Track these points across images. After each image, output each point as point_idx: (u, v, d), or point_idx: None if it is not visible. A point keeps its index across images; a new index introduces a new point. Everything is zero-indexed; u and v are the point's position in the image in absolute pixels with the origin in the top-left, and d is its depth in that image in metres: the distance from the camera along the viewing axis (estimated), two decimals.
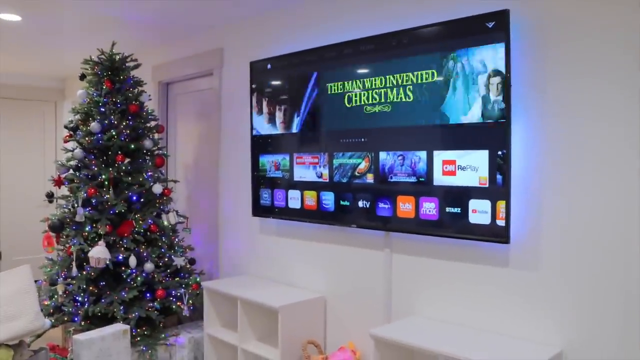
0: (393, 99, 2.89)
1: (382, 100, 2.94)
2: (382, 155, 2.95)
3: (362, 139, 3.04)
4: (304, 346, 3.23)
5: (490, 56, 2.48)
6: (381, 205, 2.97)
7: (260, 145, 3.72)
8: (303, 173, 3.42)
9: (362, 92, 3.04)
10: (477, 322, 2.69)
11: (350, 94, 3.11)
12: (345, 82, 3.13)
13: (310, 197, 3.37)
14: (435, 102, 2.70)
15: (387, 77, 2.91)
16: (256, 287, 3.63)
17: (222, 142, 4.30)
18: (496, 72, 2.46)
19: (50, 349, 3.51)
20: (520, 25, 2.48)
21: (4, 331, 2.92)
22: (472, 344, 2.46)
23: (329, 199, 3.26)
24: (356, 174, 3.09)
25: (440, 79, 2.68)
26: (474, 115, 2.55)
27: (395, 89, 2.88)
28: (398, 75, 2.86)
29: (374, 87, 2.98)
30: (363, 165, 3.05)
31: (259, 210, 3.77)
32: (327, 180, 3.25)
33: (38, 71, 6.40)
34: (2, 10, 3.79)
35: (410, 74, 2.80)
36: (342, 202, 3.19)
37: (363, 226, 3.09)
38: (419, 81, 2.77)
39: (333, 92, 3.20)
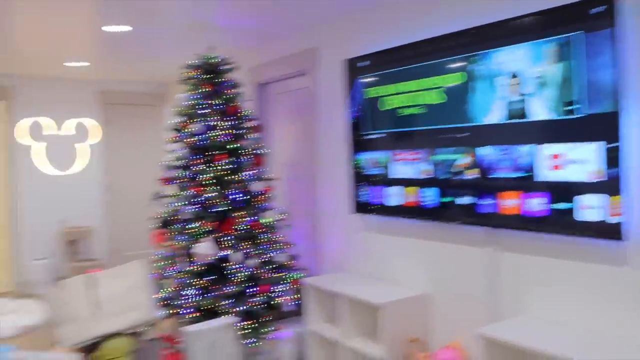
0: None
1: None
2: (486, 150, 2.87)
3: (465, 134, 2.98)
4: (406, 343, 3.21)
5: (598, 43, 2.35)
6: (484, 201, 2.90)
7: (358, 142, 3.74)
8: (403, 169, 3.39)
9: (464, 85, 2.97)
10: (590, 323, 2.56)
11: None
12: (444, 76, 3.07)
13: (411, 194, 3.34)
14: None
15: (491, 68, 2.83)
16: (357, 283, 3.65)
17: (318, 140, 4.35)
18: (604, 60, 2.33)
19: (161, 339, 3.70)
20: (631, 9, 2.34)
21: (123, 321, 3.11)
22: (588, 348, 2.36)
23: (429, 195, 3.22)
24: (458, 169, 3.03)
25: (548, 68, 2.57)
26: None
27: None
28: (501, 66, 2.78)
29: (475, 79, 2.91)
30: (465, 160, 2.99)
31: (358, 207, 3.79)
32: (428, 177, 3.21)
33: (143, 77, 6.76)
34: (116, 22, 4.04)
35: (516, 64, 2.71)
36: (443, 199, 3.14)
37: (465, 223, 3.03)
38: (528, 73, 2.67)
39: (433, 86, 3.16)
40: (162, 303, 3.90)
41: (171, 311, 3.91)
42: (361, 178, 3.74)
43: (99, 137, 6.80)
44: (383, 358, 3.19)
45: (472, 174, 2.95)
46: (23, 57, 5.38)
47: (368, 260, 3.89)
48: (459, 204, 3.03)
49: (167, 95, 7.13)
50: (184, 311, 3.83)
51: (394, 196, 3.47)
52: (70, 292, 3.07)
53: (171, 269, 3.96)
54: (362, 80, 3.68)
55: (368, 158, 3.66)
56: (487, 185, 2.87)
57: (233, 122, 4.07)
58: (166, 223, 3.99)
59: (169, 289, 3.91)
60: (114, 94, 6.90)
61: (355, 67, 3.75)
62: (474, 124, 2.92)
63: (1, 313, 5.37)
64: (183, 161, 4.05)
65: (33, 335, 4.85)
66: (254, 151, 4.16)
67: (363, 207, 3.75)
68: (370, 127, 3.64)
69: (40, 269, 6.32)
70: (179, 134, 4.14)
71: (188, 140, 4.02)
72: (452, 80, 3.03)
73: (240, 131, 4.11)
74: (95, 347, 3.13)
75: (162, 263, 4.05)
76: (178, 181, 4.04)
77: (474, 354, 3.04)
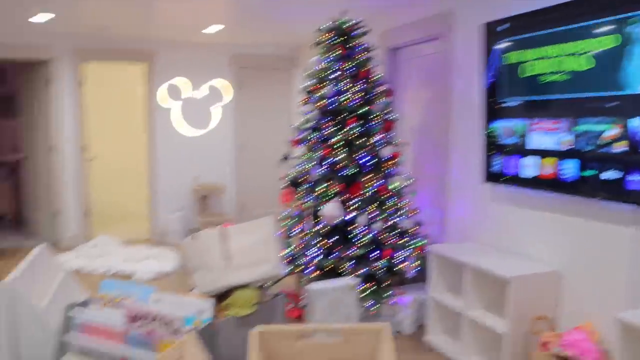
0: None
1: None
2: (638, 121, 2.64)
3: (614, 103, 2.75)
4: (533, 321, 3.09)
5: None
6: (633, 177, 2.67)
7: (493, 110, 3.59)
8: (540, 139, 3.21)
9: (617, 50, 2.73)
10: None
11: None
12: (594, 40, 2.84)
13: (548, 165, 3.16)
14: None
15: None
16: (484, 255, 3.55)
17: (449, 107, 4.23)
18: None
19: (285, 295, 3.84)
20: None
21: (250, 274, 3.25)
22: None
23: (569, 167, 3.02)
24: (604, 141, 2.82)
25: None
26: None
27: None
28: None
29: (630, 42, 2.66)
30: (613, 132, 2.76)
31: (489, 176, 3.66)
32: (569, 148, 3.02)
33: (274, 41, 6.91)
34: None
35: None
36: (584, 172, 2.94)
37: (608, 199, 2.82)
38: None
39: (580, 51, 2.94)
40: (287, 260, 4.04)
41: (295, 269, 4.04)
42: (494, 147, 3.60)
43: (231, 99, 7.08)
44: (507, 333, 3.10)
45: (621, 147, 2.73)
46: (164, 23, 5.69)
47: (497, 232, 3.76)
48: (603, 179, 2.83)
49: (298, 59, 7.25)
50: (307, 269, 3.94)
51: (529, 167, 3.30)
52: (205, 243, 3.25)
53: (297, 228, 4.07)
54: (500, 45, 3.51)
55: (503, 126, 3.51)
56: (638, 160, 2.65)
57: (364, 86, 4.05)
58: (295, 183, 4.10)
59: (294, 247, 4.03)
60: (246, 57, 7.13)
61: (493, 32, 3.57)
62: (627, 93, 2.68)
63: (140, 259, 5.84)
64: (313, 123, 4.12)
65: (168, 280, 5.24)
66: (384, 116, 4.13)
67: (495, 177, 3.62)
68: (507, 94, 3.48)
69: (174, 221, 6.78)
70: (310, 97, 4.20)
71: (319, 103, 4.07)
72: (603, 44, 2.80)
73: (371, 95, 4.09)
74: (225, 296, 3.30)
75: (289, 222, 4.18)
76: (308, 143, 4.12)
77: (606, 339, 2.86)
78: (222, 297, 3.29)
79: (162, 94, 6.80)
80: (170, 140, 6.89)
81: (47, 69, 6.43)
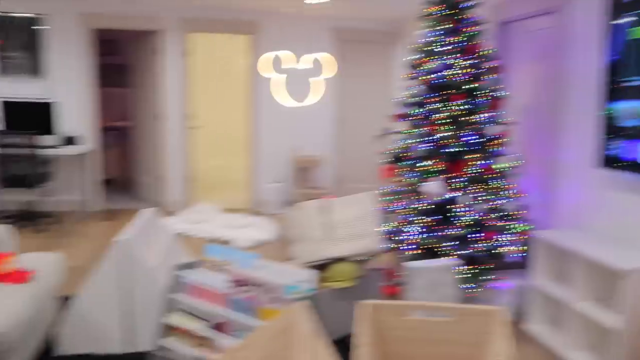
0: None
1: None
2: None
3: None
4: None
5: None
6: None
7: (615, 89, 3.33)
8: None
9: None
10: None
11: None
12: None
13: None
14: None
15: None
16: (596, 244, 3.34)
17: (563, 85, 3.98)
18: None
19: (382, 271, 3.81)
20: None
21: (350, 248, 3.24)
22: None
23: None
24: None
25: None
26: None
27: None
28: None
29: None
30: None
31: (606, 161, 3.42)
32: None
33: (377, 15, 6.80)
34: None
35: None
36: None
37: None
38: None
39: None
40: (385, 236, 4.00)
41: (393, 245, 3.99)
42: (613, 129, 3.35)
43: (333, 72, 7.06)
44: (620, 329, 2.91)
45: None
46: None
47: (611, 221, 3.53)
48: None
49: (401, 33, 7.10)
50: (405, 247, 3.88)
51: None
52: (306, 214, 3.27)
53: (397, 204, 4.01)
54: (626, 19, 3.24)
55: (626, 108, 3.25)
56: None
57: (472, 61, 3.89)
58: (396, 159, 4.03)
59: (393, 223, 3.98)
60: (348, 31, 7.07)
61: (619, 4, 3.30)
62: None
63: (238, 226, 6.01)
64: (417, 99, 4.01)
65: (265, 249, 5.36)
66: (492, 93, 3.95)
67: (612, 162, 3.37)
68: (631, 72, 3.21)
69: (273, 191, 6.91)
70: (415, 71, 4.09)
71: (424, 77, 3.96)
72: None
73: (479, 71, 3.92)
74: (323, 268, 3.33)
75: (389, 197, 4.12)
76: (411, 118, 4.03)
77: None
78: (319, 268, 3.32)
79: (265, 65, 6.89)
80: (272, 112, 7.00)
81: (156, 39, 6.69)
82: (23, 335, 2.61)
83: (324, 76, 7.06)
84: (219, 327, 2.44)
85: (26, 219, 5.99)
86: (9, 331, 2.38)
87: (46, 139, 6.04)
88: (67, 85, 6.56)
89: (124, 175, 8.38)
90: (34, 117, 6.29)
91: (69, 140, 6.34)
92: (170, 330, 2.58)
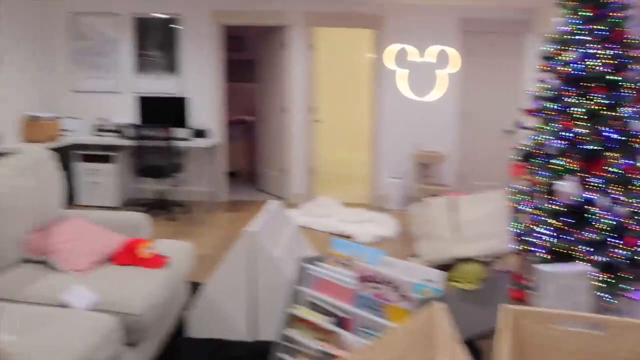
0: None
1: None
2: None
3: None
4: None
5: None
6: None
7: None
8: None
9: None
10: None
11: None
12: None
13: None
14: None
15: None
16: None
17: None
18: None
19: (509, 273, 3.64)
20: None
21: (478, 248, 3.12)
22: None
23: None
24: None
25: None
26: None
27: None
28: None
29: None
30: None
31: None
32: None
33: (507, 3, 6.50)
34: None
35: None
36: None
37: None
38: None
39: None
40: (514, 237, 3.82)
41: (522, 247, 3.80)
42: None
43: (458, 65, 6.85)
44: None
45: None
46: None
47: None
48: None
49: (532, 22, 6.74)
50: (535, 249, 3.68)
51: None
52: (433, 211, 3.19)
53: (527, 204, 3.81)
54: None
55: None
56: None
57: (616, 51, 3.60)
58: (527, 156, 3.82)
59: (522, 224, 3.78)
60: (475, 21, 6.82)
61: None
62: None
63: (359, 221, 6.01)
64: (552, 92, 3.78)
65: (387, 245, 5.31)
66: (638, 85, 3.64)
67: None
68: None
69: (393, 186, 6.85)
70: (550, 63, 3.85)
71: (560, 69, 3.72)
72: None
73: (624, 61, 3.62)
74: (449, 268, 3.23)
75: (519, 197, 3.93)
76: (544, 113, 3.80)
77: None
78: (444, 267, 3.22)
79: (388, 58, 6.83)
80: (395, 106, 6.93)
81: (282, 34, 6.85)
82: (158, 318, 2.75)
83: (449, 69, 6.87)
84: (343, 322, 2.44)
85: (159, 207, 6.37)
86: (146, 313, 2.52)
87: (179, 132, 6.38)
88: (197, 81, 6.90)
89: (248, 167, 8.69)
90: (168, 111, 6.67)
91: (199, 134, 6.67)
92: (294, 321, 2.62)
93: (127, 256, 2.90)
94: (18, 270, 2.77)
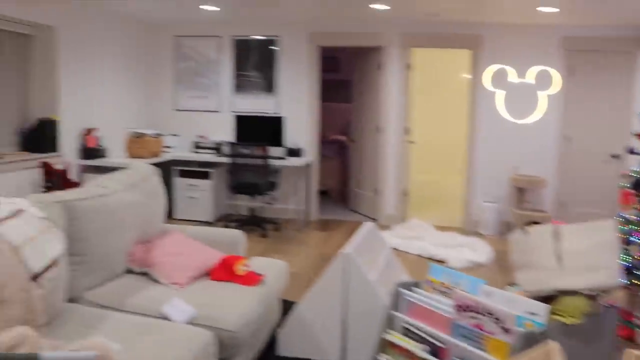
0: None
1: None
2: None
3: None
4: None
5: None
6: None
7: None
8: None
9: None
10: None
11: None
12: None
13: None
14: None
15: None
16: None
17: None
18: None
19: (617, 309, 3.40)
20: None
21: (583, 280, 2.93)
22: None
23: None
24: None
25: None
26: None
27: None
28: None
29: None
30: None
31: None
32: None
33: (615, 21, 6.17)
34: None
35: None
36: None
37: None
38: None
39: None
40: (623, 271, 3.57)
41: (632, 281, 3.55)
42: None
43: (559, 86, 6.57)
44: None
45: None
46: (494, 6, 5.51)
47: None
48: None
49: None
50: None
51: None
52: (536, 240, 3.04)
53: (638, 235, 3.55)
54: None
55: None
56: None
57: None
58: (638, 183, 3.58)
59: (632, 256, 3.53)
60: (580, 40, 6.50)
61: None
62: None
63: (452, 245, 5.85)
64: None
65: (481, 272, 5.13)
66: None
67: None
68: None
69: (488, 211, 6.62)
70: None
71: None
72: None
73: None
74: (549, 299, 3.05)
75: (628, 227, 3.68)
76: None
77: None
78: (545, 299, 3.05)
79: (486, 79, 6.66)
80: (491, 127, 6.72)
81: (379, 55, 6.86)
82: (252, 334, 2.78)
83: (549, 91, 6.60)
84: (438, 351, 2.35)
85: (251, 224, 6.50)
86: (241, 329, 2.55)
87: (274, 151, 6.51)
88: (293, 101, 7.03)
89: (339, 186, 8.71)
90: (264, 130, 6.83)
91: (293, 152, 6.77)
92: (387, 347, 2.56)
93: (224, 272, 2.96)
94: (122, 281, 2.90)
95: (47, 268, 2.15)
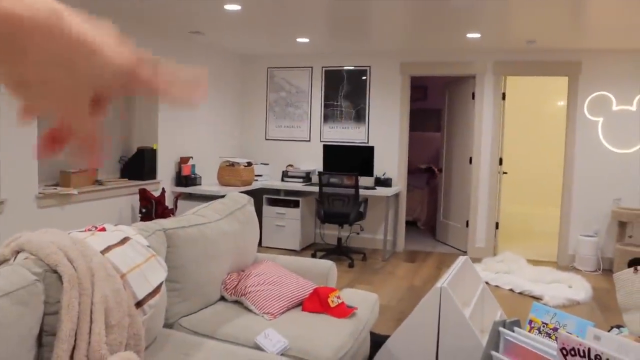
0: None
1: None
2: None
3: None
4: None
5: None
6: None
7: None
8: None
9: None
10: None
11: None
12: None
13: None
14: None
15: None
16: None
17: None
18: None
19: None
20: None
21: None
22: None
23: None
24: None
25: None
26: None
27: None
28: None
29: None
30: None
31: None
32: None
33: None
34: None
35: None
36: None
37: None
38: None
39: None
40: None
41: None
42: None
43: None
44: None
45: None
46: (594, 32, 5.31)
47: None
48: None
49: None
50: None
51: None
52: None
53: None
54: None
55: None
56: None
57: None
58: None
59: None
60: None
61: None
62: None
63: (548, 281, 5.58)
64: None
65: (578, 310, 4.85)
66: None
67: None
68: None
69: (586, 245, 6.27)
70: None
71: None
72: None
73: None
74: None
75: None
76: None
77: None
78: None
79: (584, 106, 6.38)
80: (590, 157, 6.40)
81: (472, 83, 6.74)
82: None
83: None
84: None
85: (338, 253, 6.49)
86: None
87: (363, 180, 6.51)
88: (382, 130, 7.03)
89: (426, 217, 8.57)
90: (353, 159, 6.85)
91: (381, 182, 6.74)
92: None
93: (317, 304, 2.96)
94: (216, 308, 2.96)
95: (150, 295, 2.23)
